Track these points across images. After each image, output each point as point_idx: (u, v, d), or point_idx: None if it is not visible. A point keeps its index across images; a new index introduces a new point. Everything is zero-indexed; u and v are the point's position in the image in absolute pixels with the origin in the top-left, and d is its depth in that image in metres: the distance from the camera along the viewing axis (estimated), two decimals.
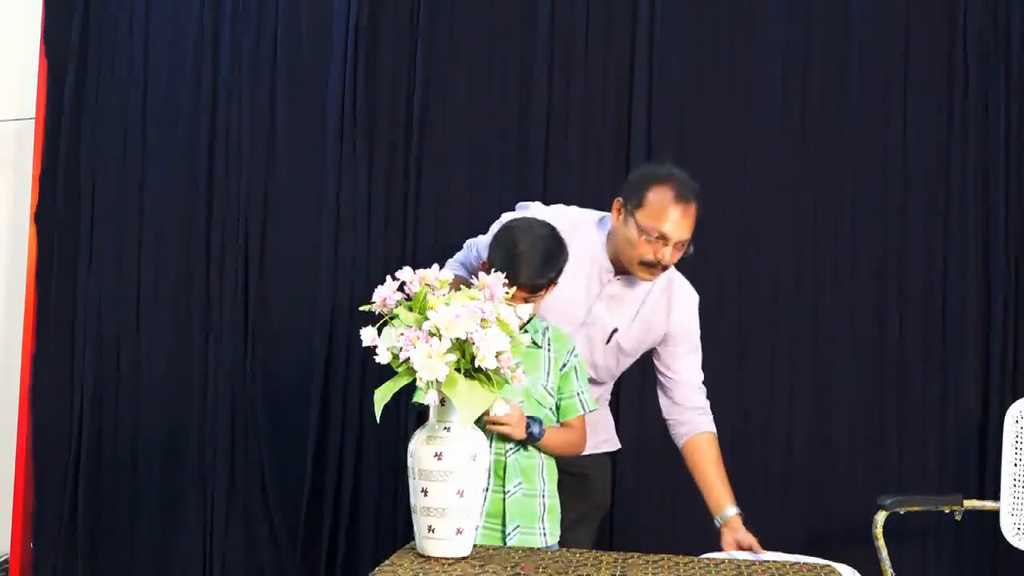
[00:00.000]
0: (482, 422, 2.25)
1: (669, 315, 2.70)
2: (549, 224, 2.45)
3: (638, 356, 2.77)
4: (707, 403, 2.75)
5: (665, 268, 2.58)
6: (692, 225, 2.54)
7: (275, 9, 3.62)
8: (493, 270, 2.34)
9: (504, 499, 2.39)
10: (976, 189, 3.36)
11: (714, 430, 2.73)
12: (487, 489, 2.32)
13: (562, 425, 2.50)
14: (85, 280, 3.68)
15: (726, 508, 2.64)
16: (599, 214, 2.74)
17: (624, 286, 2.67)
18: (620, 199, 2.59)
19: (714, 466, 2.68)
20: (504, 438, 2.39)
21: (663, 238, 2.51)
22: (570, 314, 2.62)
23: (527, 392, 2.42)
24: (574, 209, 2.77)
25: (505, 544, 2.35)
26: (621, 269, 2.64)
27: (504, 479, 2.39)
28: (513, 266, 2.33)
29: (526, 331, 2.44)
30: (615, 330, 2.68)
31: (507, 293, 2.06)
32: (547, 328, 2.52)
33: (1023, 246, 3.34)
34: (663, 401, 2.77)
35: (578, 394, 2.50)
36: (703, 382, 2.76)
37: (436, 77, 3.53)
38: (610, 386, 2.87)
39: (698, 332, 2.75)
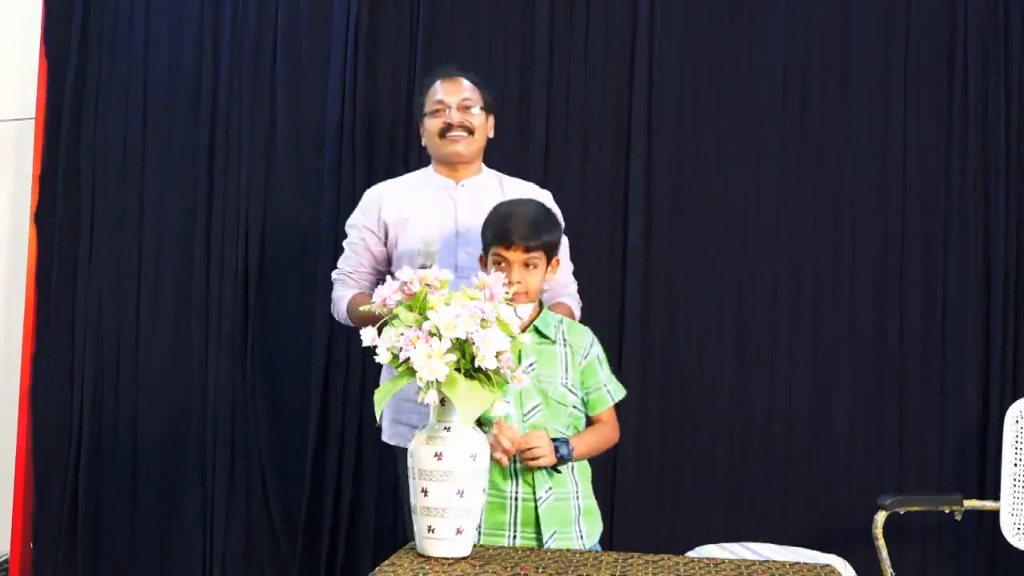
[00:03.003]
0: (520, 461, 2.32)
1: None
2: (537, 200, 2.60)
3: None
4: (576, 294, 2.92)
5: (464, 128, 2.86)
6: (466, 91, 2.89)
7: (275, 9, 3.62)
8: (489, 248, 2.39)
9: (536, 506, 2.35)
10: (976, 189, 3.36)
11: (572, 304, 2.86)
12: (514, 496, 2.33)
13: (592, 420, 2.48)
14: (85, 280, 3.68)
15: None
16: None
17: (472, 189, 2.88)
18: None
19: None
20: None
21: (442, 105, 2.87)
22: (443, 228, 2.83)
23: (544, 393, 2.39)
24: None
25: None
26: (458, 179, 2.90)
27: (534, 486, 2.36)
28: (505, 228, 2.41)
29: (535, 326, 2.43)
30: None
31: (507, 293, 2.06)
32: (561, 321, 2.50)
33: (1023, 246, 3.34)
34: None
35: (605, 385, 2.48)
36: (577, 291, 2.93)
37: None
38: None
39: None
